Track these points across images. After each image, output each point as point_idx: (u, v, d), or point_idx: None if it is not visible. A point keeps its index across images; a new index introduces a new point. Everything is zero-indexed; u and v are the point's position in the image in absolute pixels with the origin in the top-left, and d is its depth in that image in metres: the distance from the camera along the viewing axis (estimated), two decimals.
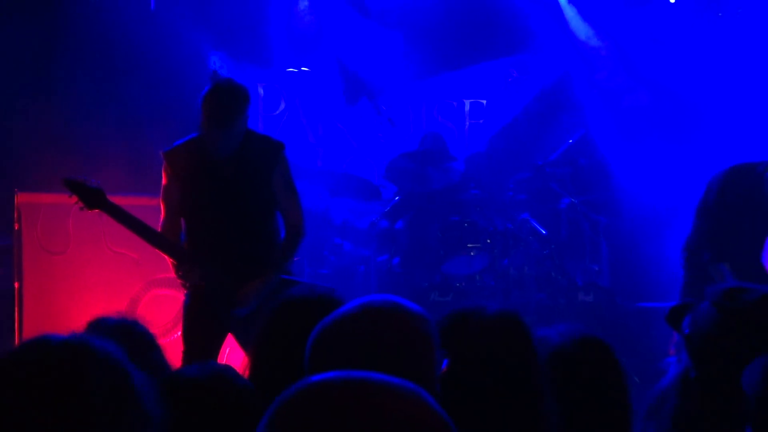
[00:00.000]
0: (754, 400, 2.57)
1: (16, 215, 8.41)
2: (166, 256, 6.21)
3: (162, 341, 7.99)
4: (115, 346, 2.09)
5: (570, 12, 12.06)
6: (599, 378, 3.19)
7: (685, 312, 3.37)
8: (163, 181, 6.26)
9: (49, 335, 2.06)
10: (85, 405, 1.95)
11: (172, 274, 6.30)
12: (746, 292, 3.11)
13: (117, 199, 6.18)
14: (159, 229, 6.22)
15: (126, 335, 3.29)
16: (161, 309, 8.54)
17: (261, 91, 11.84)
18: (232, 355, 7.83)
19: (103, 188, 6.09)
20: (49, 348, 2.01)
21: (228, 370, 2.89)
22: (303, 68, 11.65)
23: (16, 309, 8.29)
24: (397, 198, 10.57)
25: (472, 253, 9.80)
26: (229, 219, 6.15)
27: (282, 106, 11.97)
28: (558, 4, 12.04)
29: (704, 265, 6.97)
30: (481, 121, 12.46)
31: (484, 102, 12.49)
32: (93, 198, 6.05)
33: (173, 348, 6.97)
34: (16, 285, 8.35)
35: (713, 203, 6.97)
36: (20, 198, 8.45)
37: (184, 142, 6.26)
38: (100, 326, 3.38)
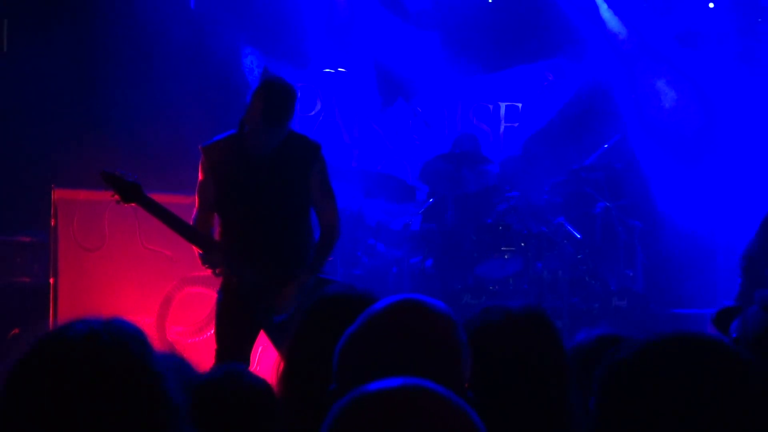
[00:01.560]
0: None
1: (52, 211, 8.45)
2: (197, 251, 6.23)
3: (195, 339, 8.00)
4: (138, 334, 2.09)
5: (608, 15, 12.01)
6: None
7: (734, 316, 3.36)
8: (200, 175, 6.27)
9: (70, 325, 2.07)
10: (106, 395, 1.96)
11: (206, 272, 6.32)
12: None
13: (153, 197, 6.20)
14: (191, 222, 6.24)
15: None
16: (194, 307, 8.56)
17: (299, 91, 11.85)
18: (264, 354, 7.84)
19: (140, 183, 6.11)
20: (68, 340, 2.02)
21: (240, 369, 2.89)
22: (339, 69, 11.67)
23: (51, 305, 8.33)
24: (431, 200, 10.56)
25: (506, 256, 9.78)
26: (264, 216, 6.15)
27: (318, 106, 11.99)
28: (596, 8, 12.01)
29: (765, 278, 6.85)
30: (516, 125, 12.44)
31: (520, 105, 12.47)
32: (130, 192, 6.08)
33: (206, 346, 7.00)
34: (52, 281, 8.39)
35: None
36: (57, 194, 8.49)
37: (224, 137, 6.27)
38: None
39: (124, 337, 2.05)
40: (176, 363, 3.40)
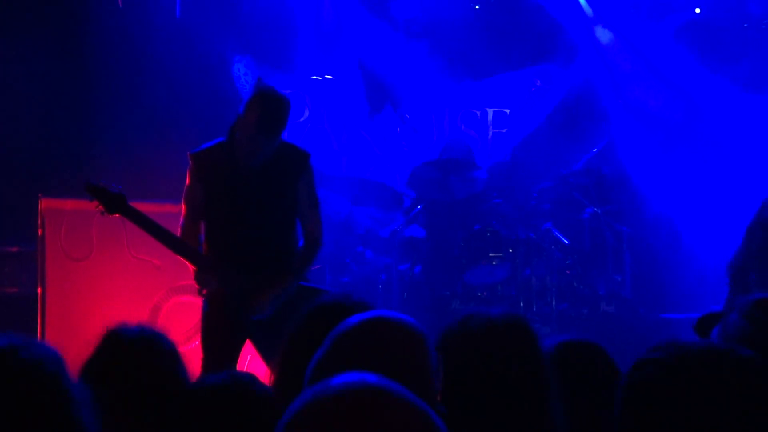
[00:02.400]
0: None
1: (39, 221, 8.44)
2: (186, 262, 6.22)
3: (183, 348, 8.01)
4: (54, 358, 2.07)
5: (595, 21, 12.03)
6: (596, 378, 3.20)
7: (714, 322, 3.37)
8: (187, 181, 6.26)
9: None
10: (13, 415, 1.94)
11: (194, 282, 6.31)
12: None
13: (140, 206, 6.19)
14: (179, 229, 6.24)
15: (146, 347, 3.31)
16: (183, 316, 8.55)
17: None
18: (253, 362, 7.83)
19: (124, 193, 6.11)
20: None
21: (248, 377, 2.89)
22: (327, 76, 11.67)
23: (39, 315, 8.31)
24: (419, 206, 10.56)
25: (494, 263, 9.78)
26: (251, 225, 6.15)
27: (306, 113, 11.99)
28: (583, 14, 12.02)
29: (750, 284, 6.84)
30: (504, 131, 12.44)
31: (508, 111, 12.48)
32: (114, 203, 6.07)
33: (195, 355, 6.98)
34: (39, 291, 8.38)
35: (766, 222, 6.81)
36: (44, 204, 8.47)
37: (213, 144, 6.26)
38: (118, 338, 3.38)
39: (38, 358, 2.02)
40: (159, 344, 3.40)
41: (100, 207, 6.08)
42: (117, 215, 6.12)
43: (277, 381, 3.18)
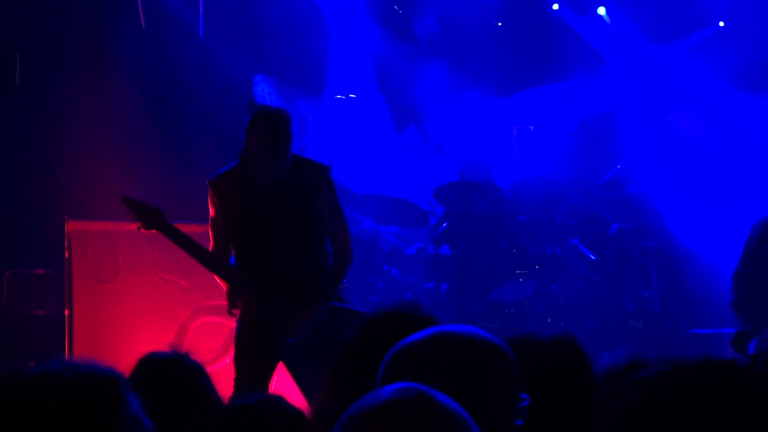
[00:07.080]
0: None
1: (66, 243, 8.46)
2: (220, 281, 6.19)
3: (211, 368, 7.99)
4: (111, 380, 2.04)
5: (618, 36, 12.01)
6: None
7: (750, 337, 3.37)
8: (210, 211, 6.19)
9: (43, 365, 2.02)
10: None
11: (221, 302, 6.28)
12: None
13: None
14: None
15: (176, 369, 3.34)
16: (210, 336, 8.54)
17: (310, 117, 11.88)
18: (280, 382, 7.81)
19: (162, 209, 6.06)
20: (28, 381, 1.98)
21: (279, 399, 2.87)
22: (351, 95, 11.68)
23: (66, 337, 8.33)
24: (444, 224, 10.54)
25: (520, 280, 9.75)
26: (277, 245, 6.09)
27: (331, 132, 12.00)
28: (607, 29, 12.00)
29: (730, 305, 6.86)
30: (528, 147, 12.43)
31: (532, 128, 12.47)
32: (151, 217, 6.02)
33: (223, 375, 6.98)
34: (67, 312, 8.40)
35: (751, 247, 6.83)
36: (70, 226, 8.49)
37: (228, 169, 6.18)
38: (150, 361, 3.43)
39: (92, 382, 1.99)
40: (188, 366, 3.44)
41: (137, 222, 6.04)
42: (152, 231, 6.08)
43: (330, 389, 3.06)
